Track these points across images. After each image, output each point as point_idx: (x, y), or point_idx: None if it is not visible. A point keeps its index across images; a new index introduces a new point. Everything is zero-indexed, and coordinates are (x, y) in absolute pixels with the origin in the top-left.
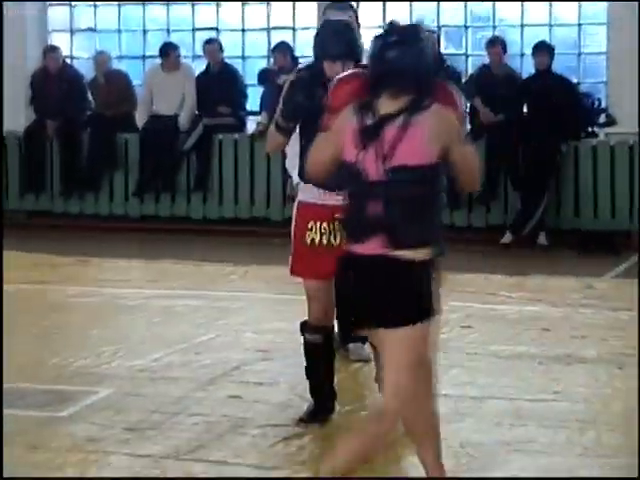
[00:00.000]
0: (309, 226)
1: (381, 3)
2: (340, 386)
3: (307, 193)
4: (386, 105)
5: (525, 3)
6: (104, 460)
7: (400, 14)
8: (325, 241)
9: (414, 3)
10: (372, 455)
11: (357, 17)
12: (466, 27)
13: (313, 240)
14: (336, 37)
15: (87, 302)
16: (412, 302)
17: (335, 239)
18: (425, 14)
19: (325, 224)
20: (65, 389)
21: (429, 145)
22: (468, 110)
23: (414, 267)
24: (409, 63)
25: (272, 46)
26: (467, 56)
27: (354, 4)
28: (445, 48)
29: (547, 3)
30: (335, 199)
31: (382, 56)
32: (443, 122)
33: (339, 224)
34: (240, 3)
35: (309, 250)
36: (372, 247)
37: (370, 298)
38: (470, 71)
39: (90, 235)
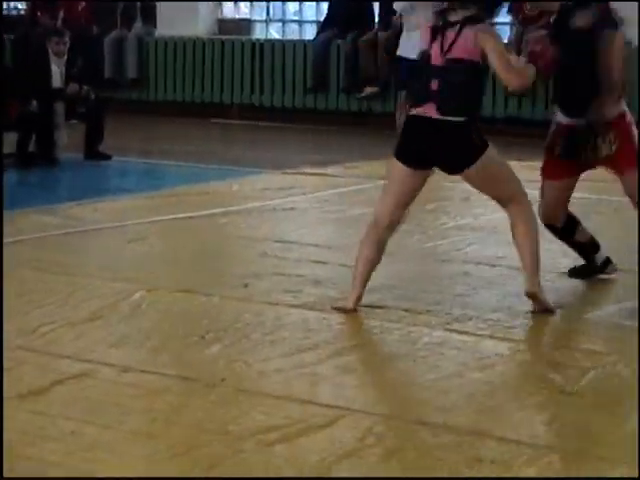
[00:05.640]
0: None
1: None
2: None
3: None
4: (452, 15)
5: None
6: None
7: None
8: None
9: None
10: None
11: None
12: None
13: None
14: None
15: None
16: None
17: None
18: None
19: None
20: None
21: (474, 47)
22: None
23: (456, 125)
24: None
25: None
26: None
27: None
28: None
29: None
30: (568, 121)
31: None
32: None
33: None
34: None
35: (552, 157)
36: (427, 110)
37: (432, 148)
38: None
39: None
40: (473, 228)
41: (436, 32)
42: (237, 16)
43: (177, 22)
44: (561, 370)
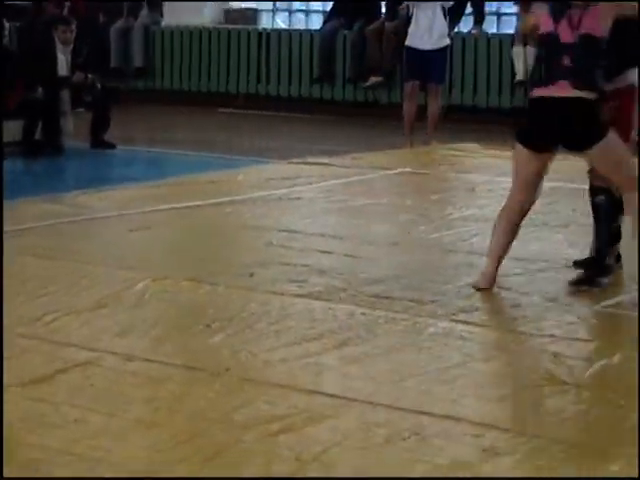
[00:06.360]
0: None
1: None
2: None
3: None
4: None
5: None
6: None
7: None
8: None
9: None
10: None
11: None
12: None
13: None
14: None
15: None
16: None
17: None
18: None
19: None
20: None
21: (602, 22)
22: None
23: (588, 103)
24: None
25: None
26: None
27: None
28: None
29: None
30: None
31: None
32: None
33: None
34: None
35: None
36: (558, 89)
37: (561, 127)
38: None
39: None
40: (478, 219)
41: (560, 14)
42: (243, 5)
43: (183, 11)
44: (565, 362)
